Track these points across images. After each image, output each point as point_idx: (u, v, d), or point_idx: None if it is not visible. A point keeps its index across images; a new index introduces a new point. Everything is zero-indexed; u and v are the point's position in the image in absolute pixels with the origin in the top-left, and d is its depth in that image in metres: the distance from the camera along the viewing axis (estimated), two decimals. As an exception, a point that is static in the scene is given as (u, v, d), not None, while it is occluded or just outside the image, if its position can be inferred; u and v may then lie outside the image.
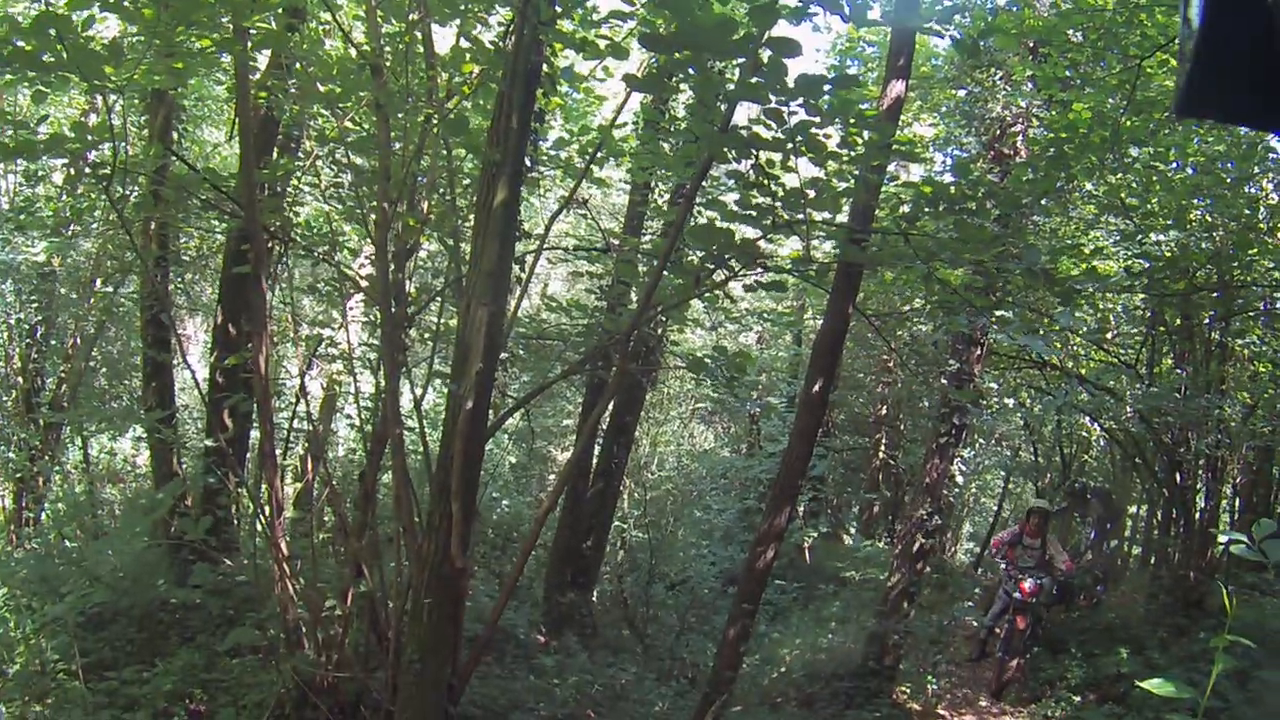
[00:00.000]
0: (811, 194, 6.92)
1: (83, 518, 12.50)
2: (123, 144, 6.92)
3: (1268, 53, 1.62)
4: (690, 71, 6.25)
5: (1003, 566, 13.89)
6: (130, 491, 15.43)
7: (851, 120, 6.40)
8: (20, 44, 5.90)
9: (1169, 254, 11.23)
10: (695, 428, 23.63)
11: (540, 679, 10.28)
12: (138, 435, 14.72)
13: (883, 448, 22.22)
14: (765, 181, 6.90)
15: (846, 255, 8.30)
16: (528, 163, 7.47)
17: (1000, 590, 14.07)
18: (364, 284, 8.48)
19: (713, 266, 7.36)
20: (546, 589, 12.65)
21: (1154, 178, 11.50)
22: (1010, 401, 18.18)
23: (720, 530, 18.13)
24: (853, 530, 22.98)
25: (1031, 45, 13.81)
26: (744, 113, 7.28)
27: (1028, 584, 13.08)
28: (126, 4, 6.10)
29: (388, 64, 6.99)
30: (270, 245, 7.72)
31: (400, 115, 7.11)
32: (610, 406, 12.28)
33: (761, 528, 8.92)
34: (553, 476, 17.38)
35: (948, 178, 15.49)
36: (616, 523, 14.24)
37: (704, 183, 7.37)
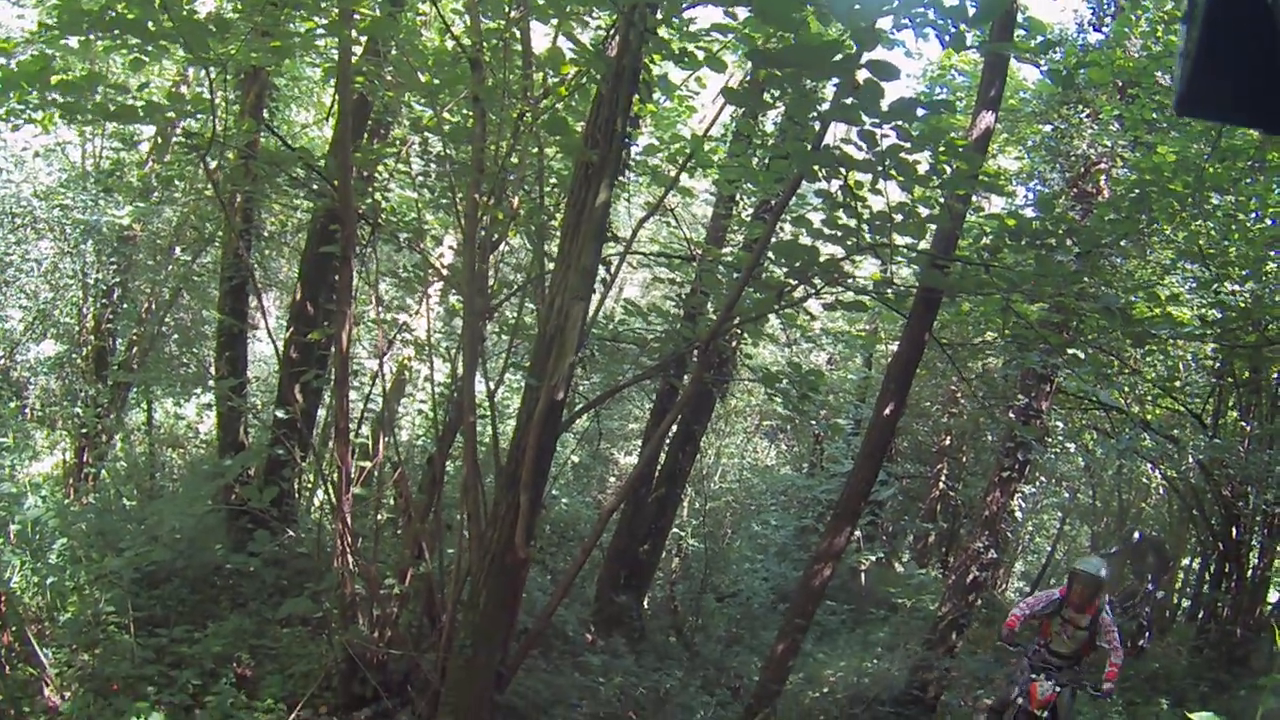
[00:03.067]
0: (898, 218, 6.97)
1: (142, 478, 12.67)
2: (216, 117, 7.03)
3: (1268, 53, 1.63)
4: (787, 89, 6.31)
5: (1021, 649, 9.87)
6: (190, 457, 15.65)
7: (941, 148, 6.45)
8: (123, 10, 6.03)
9: (1243, 304, 11.14)
10: (759, 443, 23.56)
11: (585, 677, 10.34)
12: (205, 403, 14.88)
13: (943, 478, 22.09)
14: (852, 202, 6.94)
15: (928, 281, 8.32)
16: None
17: (1011, 677, 10.33)
18: (446, 273, 8.58)
19: (795, 282, 7.40)
20: (599, 589, 12.70)
21: (1233, 227, 11.38)
22: (1072, 447, 18.06)
23: (776, 546, 18.09)
24: (905, 558, 22.87)
25: (1120, 85, 13.76)
26: (833, 132, 7.29)
27: (1041, 688, 9.20)
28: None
29: (486, 59, 7.06)
30: (359, 227, 7.81)
31: (496, 111, 7.19)
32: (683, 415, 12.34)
33: (820, 546, 8.96)
34: (613, 479, 17.42)
35: (1029, 212, 15.45)
36: (675, 530, 14.25)
37: (791, 199, 7.38)
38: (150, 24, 6.12)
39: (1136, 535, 15.08)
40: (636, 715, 9.95)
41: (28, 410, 16.56)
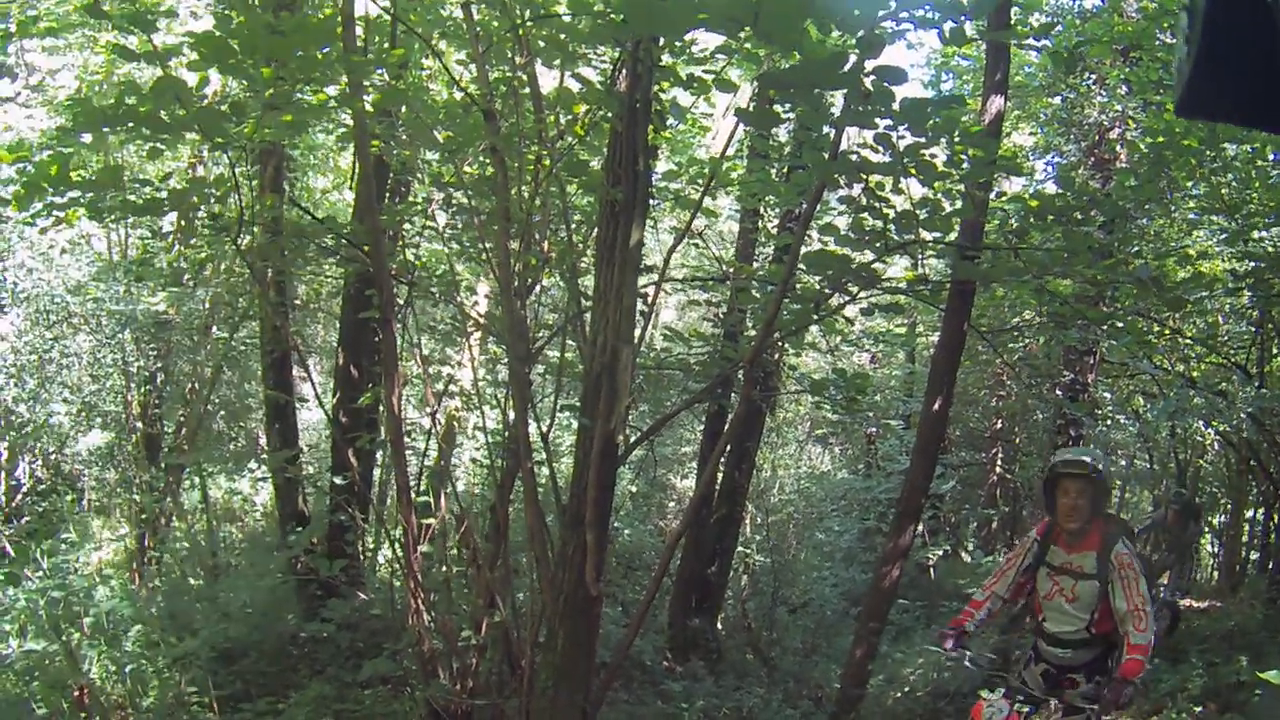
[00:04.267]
0: (923, 214, 7.02)
1: (205, 556, 12.81)
2: (239, 196, 7.16)
3: (1268, 55, 1.62)
4: (798, 103, 6.37)
5: (966, 656, 6.13)
6: (249, 529, 15.80)
7: (956, 138, 6.50)
8: (135, 104, 6.13)
9: (1271, 250, 11.09)
10: (812, 450, 23.53)
11: (667, 704, 10.35)
12: (258, 476, 15.03)
13: (999, 462, 21.97)
14: (876, 204, 7.01)
15: (960, 273, 8.36)
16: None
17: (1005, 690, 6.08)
18: (484, 321, 8.66)
19: (830, 291, 7.46)
20: (671, 615, 12.74)
21: (1253, 174, 11.34)
22: (1122, 416, 17.97)
23: (841, 551, 18.05)
24: (970, 546, 22.76)
25: (1123, 49, 13.75)
26: (848, 136, 7.34)
27: (990, 710, 5.75)
28: (247, 66, 6.30)
29: (497, 107, 7.14)
30: (395, 288, 7.90)
31: (514, 158, 7.26)
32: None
33: (886, 547, 8.99)
34: (673, 504, 17.46)
35: (1049, 186, 15.46)
36: (740, 548, 14.27)
37: (815, 209, 7.42)
38: (164, 114, 6.23)
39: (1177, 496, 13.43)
40: (720, 738, 9.98)
41: (85, 503, 16.75)
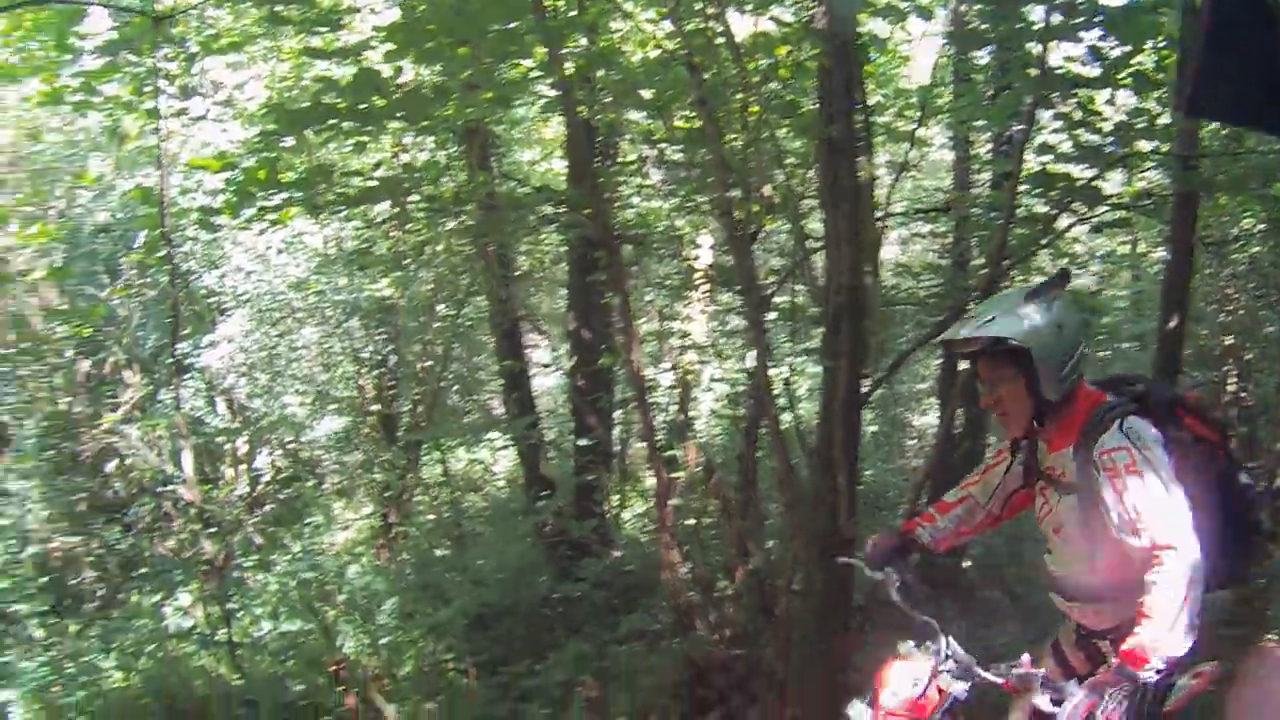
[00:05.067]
0: (1139, 124, 6.82)
1: (450, 527, 13.12)
2: (450, 176, 7.29)
3: (1269, 57, 1.65)
4: (1000, 22, 6.25)
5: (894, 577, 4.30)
6: (491, 498, 16.13)
7: (1163, 42, 6.28)
8: (333, 101, 6.28)
9: None
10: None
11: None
12: (496, 445, 15.31)
13: (1231, 380, 21.11)
14: (1090, 119, 6.81)
15: (1181, 184, 8.06)
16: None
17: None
18: (710, 273, 8.69)
19: (1055, 213, 7.28)
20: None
21: None
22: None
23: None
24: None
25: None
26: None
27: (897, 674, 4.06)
28: (443, 50, 6.39)
29: (698, 60, 7.11)
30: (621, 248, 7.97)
31: (722, 108, 7.23)
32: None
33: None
34: (913, 441, 17.23)
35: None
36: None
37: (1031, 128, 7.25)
38: (364, 107, 6.36)
39: None
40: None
41: (326, 487, 17.31)
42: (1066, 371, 3.80)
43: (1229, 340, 21.16)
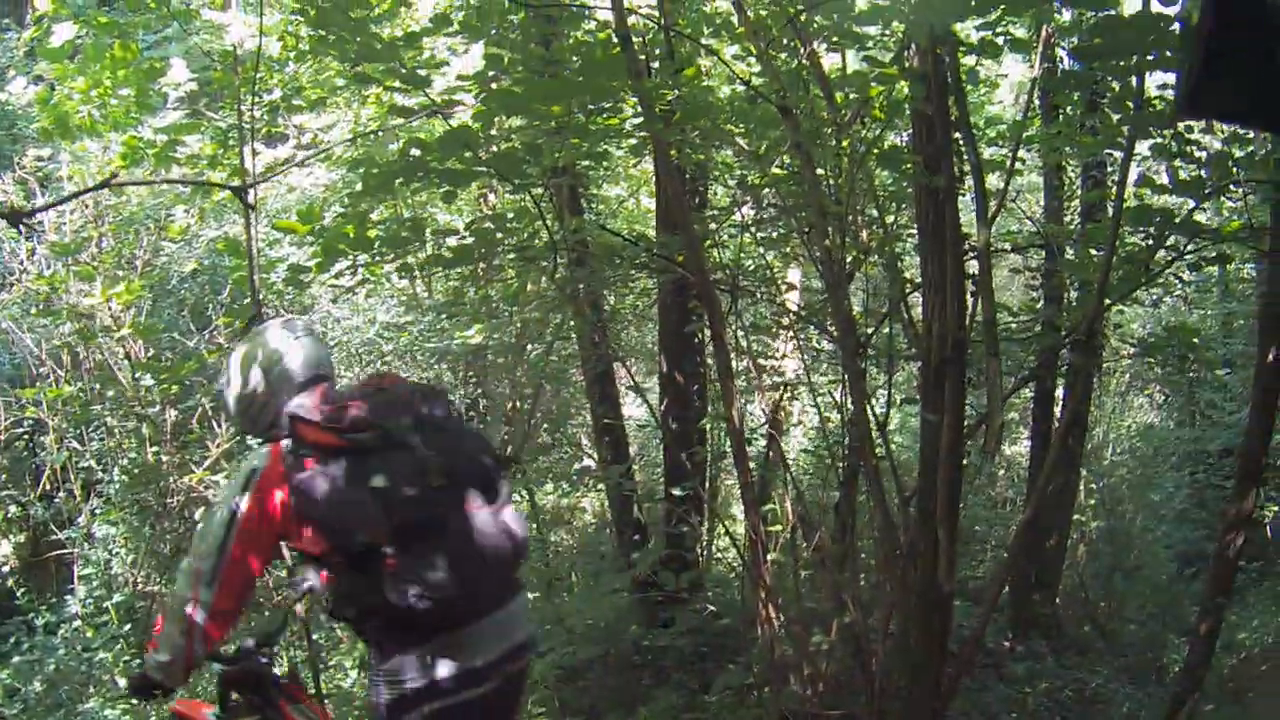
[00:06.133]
0: (1237, 153, 6.69)
1: (540, 569, 13.08)
2: (544, 224, 7.25)
3: (1270, 53, 1.62)
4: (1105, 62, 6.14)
5: None
6: (579, 537, 16.08)
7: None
8: (422, 157, 6.23)
9: None
10: (1134, 400, 22.53)
11: (1010, 687, 10.03)
12: (588, 485, 15.30)
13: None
14: (1188, 149, 6.70)
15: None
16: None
17: None
18: (803, 313, 8.58)
19: (1154, 246, 7.12)
20: (1012, 592, 12.39)
21: None
22: None
23: (1174, 511, 17.25)
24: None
25: None
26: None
27: None
28: (536, 105, 6.34)
29: (785, 98, 7.00)
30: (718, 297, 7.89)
31: (817, 151, 7.12)
32: (1061, 398, 12.03)
33: (1228, 513, 8.47)
34: (1002, 472, 16.95)
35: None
36: (1076, 516, 13.76)
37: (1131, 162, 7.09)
38: (455, 162, 6.31)
39: None
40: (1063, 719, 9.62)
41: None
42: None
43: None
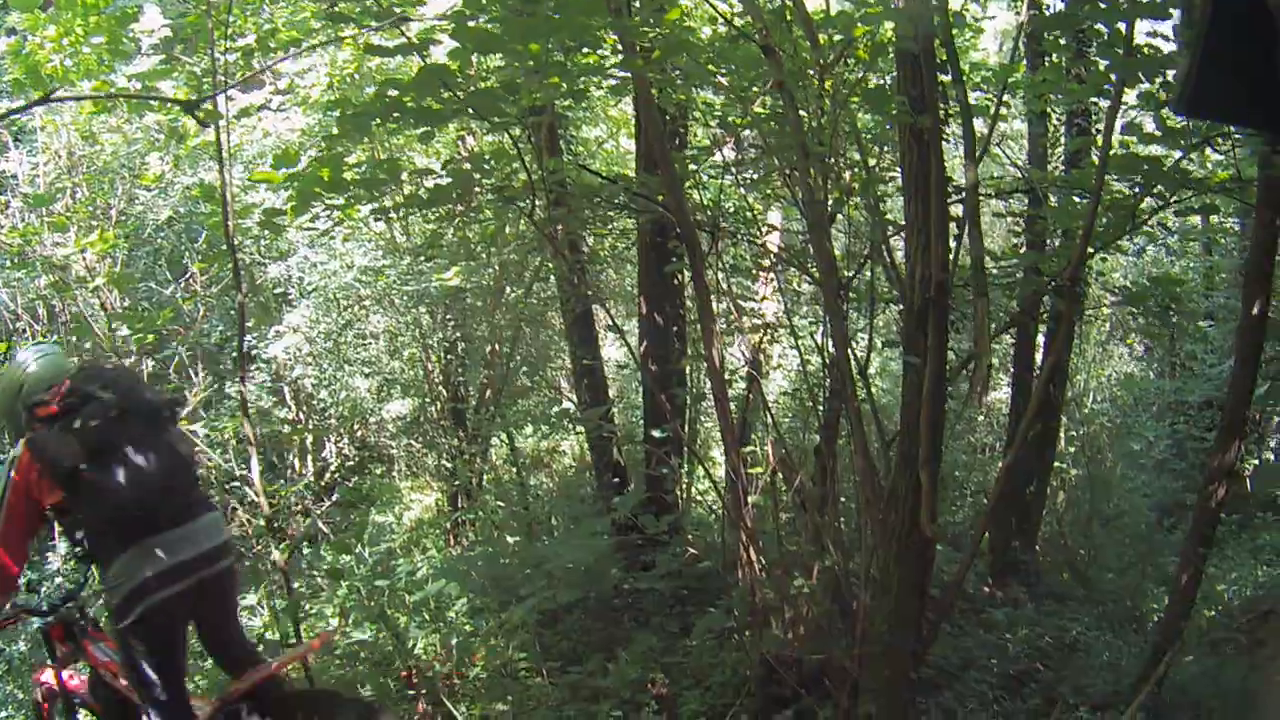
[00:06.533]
0: None
1: (518, 513, 13.02)
2: (523, 164, 7.15)
3: (1270, 54, 1.61)
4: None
5: None
6: (559, 479, 16.05)
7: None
8: (399, 97, 6.12)
9: None
10: (1114, 349, 22.55)
11: (990, 634, 10.03)
12: (567, 427, 15.26)
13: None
14: None
15: (1271, 167, 7.76)
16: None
17: None
18: (784, 255, 8.51)
19: (1141, 197, 7.06)
20: (991, 539, 12.39)
21: None
22: None
23: (1153, 460, 17.28)
24: (1274, 444, 21.45)
25: None
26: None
27: None
28: (517, 46, 6.22)
29: (768, 37, 6.89)
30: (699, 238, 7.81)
31: (800, 91, 7.02)
32: (1043, 345, 12.00)
33: (1211, 465, 8.46)
34: (981, 418, 16.94)
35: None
36: (1055, 463, 13.75)
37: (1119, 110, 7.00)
38: (431, 102, 6.21)
39: None
40: (1044, 667, 9.60)
41: (395, 472, 17.31)
42: None
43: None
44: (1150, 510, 15.23)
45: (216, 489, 11.34)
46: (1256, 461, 18.11)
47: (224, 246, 7.73)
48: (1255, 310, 8.33)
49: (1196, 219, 16.64)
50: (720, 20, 7.55)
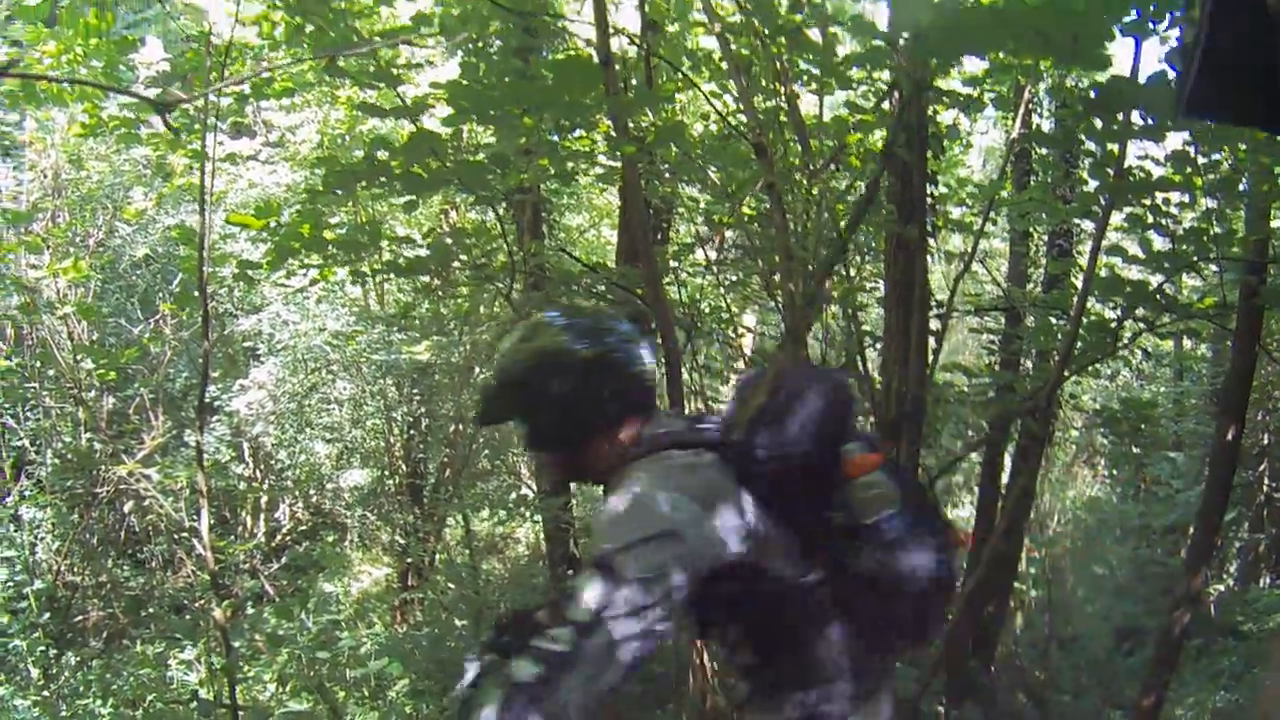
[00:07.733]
0: (1215, 230, 6.62)
1: (469, 597, 12.86)
2: (505, 244, 7.12)
3: (1270, 54, 1.62)
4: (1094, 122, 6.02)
5: None
6: (512, 566, 15.88)
7: (1242, 146, 6.10)
8: (386, 160, 6.07)
9: None
10: (1080, 473, 22.61)
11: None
12: (524, 514, 15.17)
13: (1266, 480, 20.70)
14: (1163, 221, 6.62)
15: (1256, 297, 7.77)
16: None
17: None
18: (758, 358, 8.44)
19: (1121, 318, 7.05)
20: (948, 658, 12.28)
21: None
22: None
23: (1113, 583, 17.26)
24: (1233, 569, 21.49)
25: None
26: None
27: None
28: (507, 119, 6.19)
29: (761, 137, 6.87)
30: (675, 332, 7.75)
31: (789, 193, 7.00)
32: (1008, 465, 11.96)
33: (1179, 590, 8.39)
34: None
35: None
36: (1016, 584, 13.71)
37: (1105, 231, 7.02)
38: (419, 169, 6.16)
39: None
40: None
41: (347, 542, 17.10)
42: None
43: (1265, 440, 20.76)
44: (1109, 634, 15.16)
45: (165, 538, 11.19)
46: (1221, 587, 18.11)
47: (197, 292, 7.60)
48: (1229, 436, 8.31)
49: (1169, 343, 16.78)
50: (714, 116, 7.54)
